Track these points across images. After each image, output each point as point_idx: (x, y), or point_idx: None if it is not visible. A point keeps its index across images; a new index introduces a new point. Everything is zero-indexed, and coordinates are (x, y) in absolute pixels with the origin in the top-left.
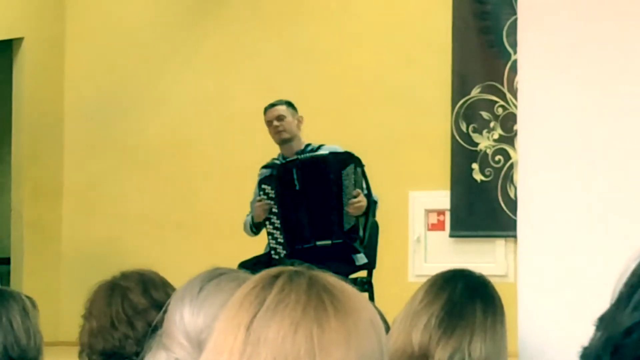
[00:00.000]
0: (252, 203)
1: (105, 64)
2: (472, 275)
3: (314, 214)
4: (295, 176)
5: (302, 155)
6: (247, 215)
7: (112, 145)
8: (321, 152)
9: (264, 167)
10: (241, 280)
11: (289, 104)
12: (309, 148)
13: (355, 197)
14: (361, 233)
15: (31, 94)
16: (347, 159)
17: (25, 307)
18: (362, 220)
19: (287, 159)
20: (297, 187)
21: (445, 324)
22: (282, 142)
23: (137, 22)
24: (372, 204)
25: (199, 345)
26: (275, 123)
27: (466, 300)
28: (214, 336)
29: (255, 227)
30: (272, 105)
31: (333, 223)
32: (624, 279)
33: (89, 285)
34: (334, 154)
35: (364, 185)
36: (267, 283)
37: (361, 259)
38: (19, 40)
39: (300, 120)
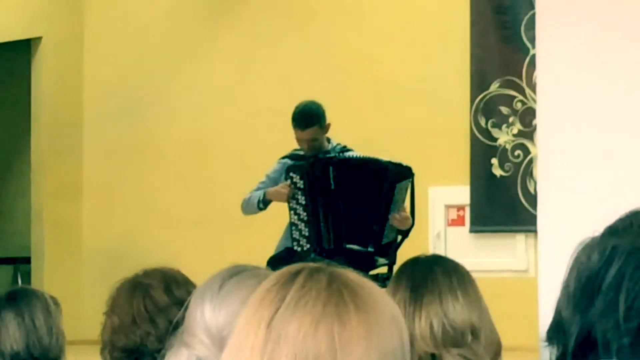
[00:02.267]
0: (262, 184)
1: (124, 62)
2: (424, 256)
3: (352, 217)
4: (331, 174)
5: (346, 155)
6: (253, 190)
7: (132, 143)
8: (351, 154)
9: (285, 157)
10: (262, 277)
11: (319, 119)
12: (338, 148)
13: (402, 215)
14: (394, 253)
15: (50, 93)
16: (407, 174)
17: (47, 306)
18: (397, 239)
19: (323, 155)
20: (332, 187)
21: (412, 300)
22: (310, 154)
23: (156, 19)
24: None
25: (220, 342)
26: (305, 144)
27: (425, 272)
28: (235, 333)
29: (263, 204)
30: (304, 125)
31: (373, 233)
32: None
33: (110, 282)
34: (394, 165)
35: (412, 202)
36: (288, 280)
37: (382, 261)
38: (37, 39)
39: (328, 128)
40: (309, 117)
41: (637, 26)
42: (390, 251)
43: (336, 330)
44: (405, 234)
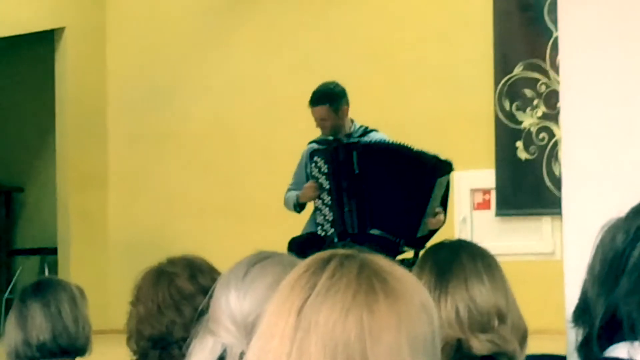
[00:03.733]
0: (295, 175)
1: (147, 51)
2: (449, 241)
3: (378, 202)
4: (355, 159)
5: (371, 138)
6: (289, 190)
7: (156, 132)
8: (378, 136)
9: (314, 141)
10: (286, 264)
11: (333, 100)
12: (360, 131)
13: (437, 213)
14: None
15: (74, 84)
16: (448, 169)
17: (73, 296)
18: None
19: (346, 139)
20: (357, 171)
21: (438, 284)
22: (326, 135)
23: (177, 8)
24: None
25: (245, 329)
26: (322, 123)
27: (450, 257)
28: (265, 319)
29: (299, 207)
30: (315, 103)
31: (407, 225)
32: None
33: (136, 272)
34: (437, 159)
35: (447, 199)
36: (319, 267)
37: (407, 249)
38: (61, 30)
39: (345, 111)
40: (319, 95)
41: None
42: (423, 244)
43: (365, 319)
44: (434, 233)
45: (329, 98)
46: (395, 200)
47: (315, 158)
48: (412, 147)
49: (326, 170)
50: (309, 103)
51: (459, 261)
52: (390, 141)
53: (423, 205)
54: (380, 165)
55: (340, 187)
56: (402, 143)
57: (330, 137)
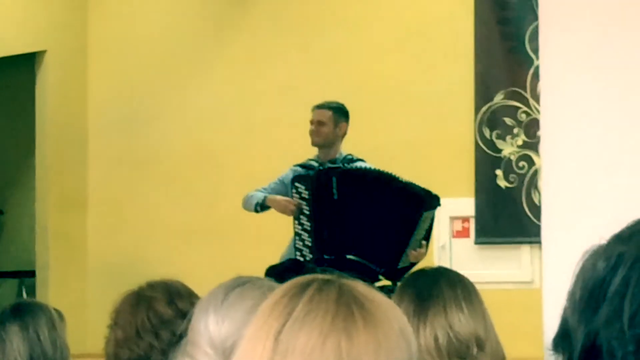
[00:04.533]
0: (272, 184)
1: (128, 75)
2: (429, 268)
3: (358, 228)
4: (334, 184)
5: (354, 165)
6: (259, 188)
7: (136, 156)
8: (362, 165)
9: (298, 165)
10: (265, 288)
11: (337, 110)
12: (345, 159)
13: (420, 246)
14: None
15: (55, 107)
16: (435, 203)
17: (52, 319)
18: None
19: (330, 165)
20: (335, 197)
21: (417, 312)
22: (315, 145)
23: (159, 33)
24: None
25: (223, 353)
26: (313, 127)
27: (430, 285)
28: (243, 344)
29: (261, 207)
30: (320, 106)
31: (389, 255)
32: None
33: (115, 296)
34: (425, 191)
35: (430, 232)
36: (297, 292)
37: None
38: (42, 53)
39: (342, 129)
40: (326, 102)
41: None
42: (402, 276)
43: (344, 344)
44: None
45: (335, 107)
46: (377, 228)
47: (297, 183)
48: (399, 178)
49: (307, 196)
50: (312, 108)
51: (439, 289)
52: (375, 169)
53: (407, 237)
54: (362, 193)
55: (319, 212)
56: (388, 172)
57: (314, 162)
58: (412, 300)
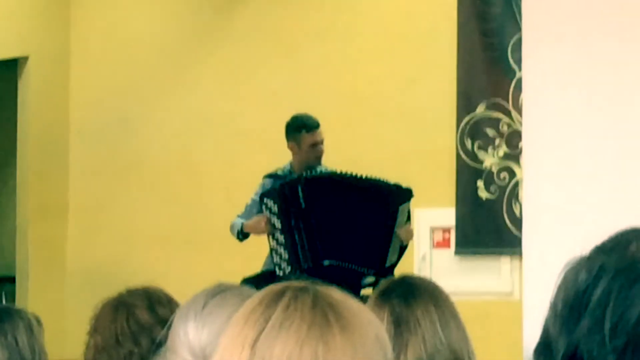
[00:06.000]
0: (248, 207)
1: (111, 82)
2: (402, 280)
3: (331, 233)
4: (300, 193)
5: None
6: (238, 216)
7: (118, 163)
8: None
9: (268, 176)
10: (245, 295)
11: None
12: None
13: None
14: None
15: (36, 113)
16: (409, 195)
17: (30, 325)
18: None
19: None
20: (303, 206)
21: (394, 340)
22: (315, 165)
23: (143, 40)
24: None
25: None
26: (321, 147)
27: (405, 309)
28: (219, 353)
29: (242, 235)
30: (317, 125)
31: (376, 255)
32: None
33: (95, 303)
34: (397, 186)
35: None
36: (272, 300)
37: (369, 279)
38: (24, 59)
39: None
40: (313, 120)
41: (622, 49)
42: (391, 272)
43: (320, 352)
44: (401, 254)
45: (318, 122)
46: (354, 230)
47: (265, 199)
48: (366, 177)
49: (276, 210)
50: (307, 129)
51: (413, 314)
52: (338, 172)
53: (389, 234)
54: (331, 197)
55: (290, 224)
56: (351, 173)
57: (280, 171)
58: (388, 327)
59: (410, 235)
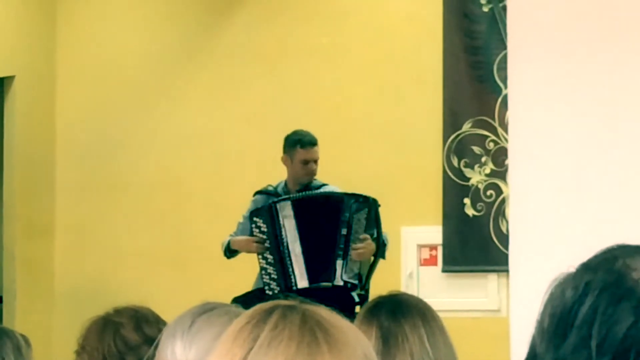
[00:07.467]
0: (240, 225)
1: (97, 101)
2: (389, 298)
3: (312, 254)
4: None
5: (304, 193)
6: (231, 235)
7: (104, 182)
8: (330, 189)
9: (259, 192)
10: (232, 314)
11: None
12: (314, 184)
13: (362, 241)
14: (363, 279)
15: (22, 132)
16: (364, 203)
17: (19, 345)
18: (365, 264)
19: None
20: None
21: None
22: (308, 182)
23: (129, 60)
24: (381, 246)
25: None
26: (313, 166)
27: (393, 328)
28: None
29: (229, 252)
30: (313, 143)
31: (336, 267)
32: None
33: (82, 322)
34: (350, 195)
35: (376, 229)
36: (261, 319)
37: (357, 296)
38: (10, 78)
39: None
40: (310, 137)
41: (609, 68)
42: (361, 280)
43: None
44: (375, 261)
45: (316, 140)
46: (323, 248)
47: (255, 218)
48: (337, 192)
49: (266, 229)
50: (304, 145)
51: (401, 330)
52: (320, 191)
53: (345, 245)
54: (311, 216)
55: (280, 243)
56: (330, 190)
57: (271, 188)
58: (375, 338)
59: (362, 255)
